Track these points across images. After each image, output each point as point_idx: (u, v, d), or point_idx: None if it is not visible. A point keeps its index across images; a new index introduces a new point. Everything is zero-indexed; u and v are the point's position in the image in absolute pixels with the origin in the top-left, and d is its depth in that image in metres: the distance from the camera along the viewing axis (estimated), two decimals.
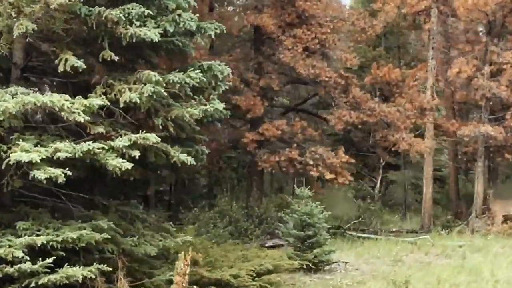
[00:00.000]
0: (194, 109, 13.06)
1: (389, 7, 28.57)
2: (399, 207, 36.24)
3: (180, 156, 12.59)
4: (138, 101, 12.06)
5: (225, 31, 14.42)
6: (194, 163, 12.88)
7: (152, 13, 12.88)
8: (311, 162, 24.08)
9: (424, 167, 29.85)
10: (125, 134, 12.05)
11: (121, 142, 11.67)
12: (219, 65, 13.90)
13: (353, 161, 24.97)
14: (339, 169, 24.11)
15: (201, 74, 13.11)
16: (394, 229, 28.78)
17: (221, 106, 13.50)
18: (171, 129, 12.87)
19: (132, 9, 12.56)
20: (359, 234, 26.54)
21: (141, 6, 12.66)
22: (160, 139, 11.88)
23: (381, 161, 35.90)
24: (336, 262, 19.85)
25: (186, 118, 13.01)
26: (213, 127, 24.17)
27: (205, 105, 13.34)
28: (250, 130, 24.67)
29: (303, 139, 24.81)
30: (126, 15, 12.45)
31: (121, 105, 12.22)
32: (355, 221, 28.19)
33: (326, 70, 24.21)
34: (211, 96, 13.67)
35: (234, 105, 23.63)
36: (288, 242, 19.79)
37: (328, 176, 23.92)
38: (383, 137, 25.87)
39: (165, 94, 12.56)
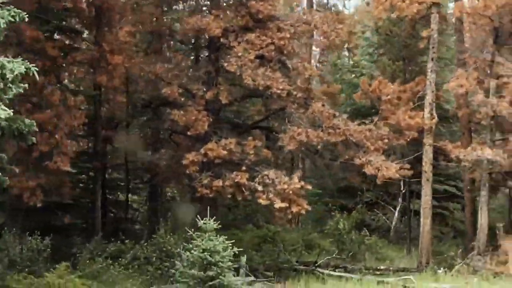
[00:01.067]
0: None
1: (377, 11, 24.80)
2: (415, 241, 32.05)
3: None
4: None
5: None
6: None
7: None
8: (260, 188, 20.65)
9: (422, 196, 25.75)
10: None
11: None
12: (9, 62, 10.80)
13: (309, 187, 21.29)
14: (293, 197, 20.50)
15: None
16: (382, 267, 24.81)
17: (4, 113, 10.39)
18: None
19: None
20: (331, 272, 22.81)
21: None
22: None
23: (402, 188, 31.97)
24: None
25: None
26: None
27: None
28: (191, 150, 21.33)
29: (255, 161, 21.36)
30: None
31: None
32: (332, 256, 24.48)
33: (279, 81, 20.73)
34: None
35: (173, 121, 20.54)
36: (187, 285, 16.31)
37: (279, 204, 20.34)
38: (349, 159, 22.06)
39: None
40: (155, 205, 27.04)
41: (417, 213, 34.07)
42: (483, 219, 24.86)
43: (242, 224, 29.42)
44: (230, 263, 15.72)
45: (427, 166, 25.26)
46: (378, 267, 24.68)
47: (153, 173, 25.86)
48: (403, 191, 31.63)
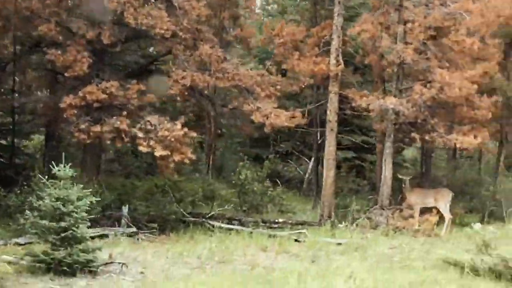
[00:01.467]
0: None
1: None
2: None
3: None
4: None
5: None
6: None
7: None
8: (140, 135, 19.36)
9: (325, 146, 24.71)
10: None
11: None
12: None
13: (194, 134, 20.05)
14: (175, 144, 19.24)
15: None
16: (280, 220, 23.85)
17: None
18: None
19: None
20: (222, 225, 21.76)
21: None
22: None
23: (318, 138, 30.72)
24: (110, 262, 15.21)
25: None
26: None
27: None
28: (70, 94, 19.82)
29: (142, 107, 20.00)
30: None
31: None
32: (226, 208, 23.46)
33: (164, 21, 19.27)
34: None
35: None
36: (38, 236, 15.08)
37: (159, 152, 19.09)
38: (239, 106, 20.81)
39: None
40: (51, 150, 25.56)
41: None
42: (387, 172, 23.97)
43: (148, 173, 28.27)
44: (85, 214, 14.54)
45: (331, 115, 24.18)
46: (276, 220, 23.72)
47: (47, 116, 24.35)
48: (319, 142, 30.46)
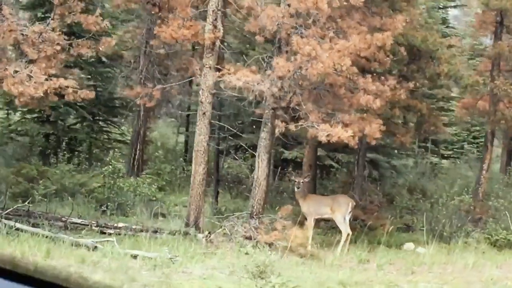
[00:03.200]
0: None
1: None
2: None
3: None
4: None
5: None
6: None
7: None
8: None
9: (195, 135, 19.58)
10: None
11: None
12: None
13: None
14: None
15: None
16: (120, 225, 18.72)
17: None
18: None
19: None
20: (17, 224, 16.87)
21: None
22: None
23: None
24: None
25: None
26: None
27: None
28: None
29: None
30: None
31: None
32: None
33: None
34: None
35: None
36: None
37: None
38: None
39: None
40: None
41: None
42: (260, 170, 18.67)
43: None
44: None
45: (204, 95, 19.03)
46: (115, 224, 18.74)
47: None
48: None
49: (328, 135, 16.09)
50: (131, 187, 21.13)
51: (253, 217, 18.41)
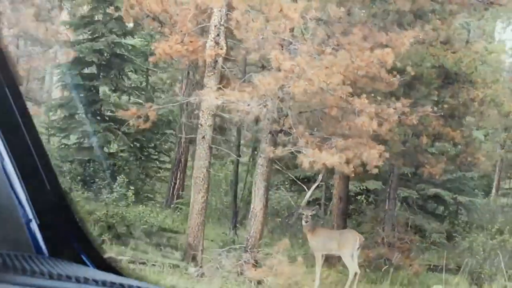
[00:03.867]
0: None
1: None
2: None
3: None
4: None
5: None
6: None
7: None
8: None
9: (195, 159, 18.25)
10: None
11: None
12: None
13: None
14: None
15: None
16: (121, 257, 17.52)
17: None
18: None
19: None
20: None
21: None
22: None
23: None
24: None
25: None
26: None
27: None
28: None
29: None
30: None
31: None
32: None
33: None
34: None
35: None
36: None
37: None
38: None
39: None
40: None
41: None
42: (256, 200, 17.04)
43: None
44: None
45: (204, 117, 17.64)
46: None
47: None
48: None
49: (313, 161, 14.38)
50: (138, 216, 19.94)
51: (247, 251, 16.82)
